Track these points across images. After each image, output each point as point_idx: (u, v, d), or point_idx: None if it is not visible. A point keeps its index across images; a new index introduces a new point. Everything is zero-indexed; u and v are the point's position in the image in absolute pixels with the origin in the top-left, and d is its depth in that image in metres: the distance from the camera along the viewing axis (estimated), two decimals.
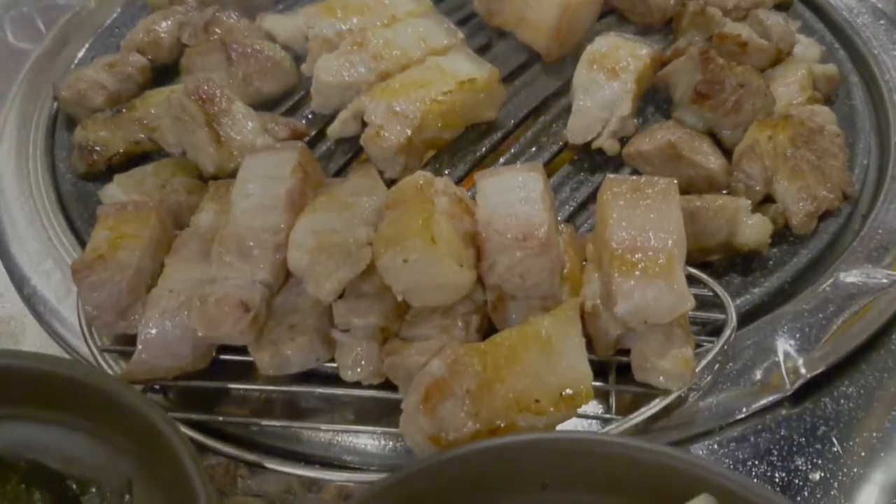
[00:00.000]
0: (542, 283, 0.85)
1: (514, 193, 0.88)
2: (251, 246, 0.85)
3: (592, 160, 1.09)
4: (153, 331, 0.84)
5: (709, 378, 0.88)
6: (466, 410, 0.76)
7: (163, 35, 1.24)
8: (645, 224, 0.85)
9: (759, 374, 0.89)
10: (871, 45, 1.25)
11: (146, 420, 0.76)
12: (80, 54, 1.33)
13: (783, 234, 1.02)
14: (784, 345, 0.90)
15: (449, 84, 1.07)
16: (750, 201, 1.00)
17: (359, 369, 0.84)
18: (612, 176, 0.89)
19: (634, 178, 0.88)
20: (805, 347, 0.90)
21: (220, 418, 0.86)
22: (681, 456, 0.72)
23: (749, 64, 1.13)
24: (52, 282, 1.01)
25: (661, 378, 0.83)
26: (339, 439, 0.87)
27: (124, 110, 1.15)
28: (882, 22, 1.28)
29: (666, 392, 0.83)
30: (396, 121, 1.03)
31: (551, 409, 0.77)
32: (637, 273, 0.82)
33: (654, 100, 1.16)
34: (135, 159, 1.12)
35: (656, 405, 0.83)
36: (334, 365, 0.86)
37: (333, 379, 0.86)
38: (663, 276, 0.82)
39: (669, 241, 0.84)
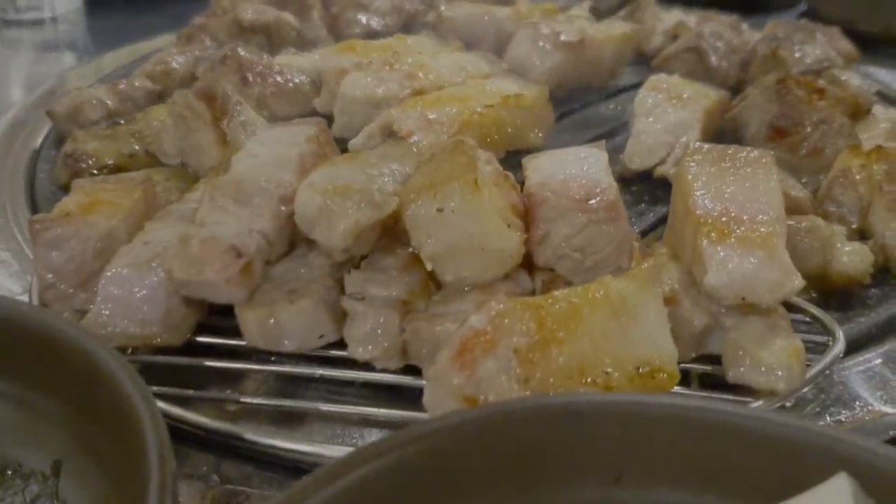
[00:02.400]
0: (608, 261, 0.69)
1: (572, 164, 0.73)
2: (251, 193, 0.70)
3: (653, 192, 0.95)
4: (117, 282, 0.66)
5: (812, 406, 0.69)
6: (513, 374, 0.57)
7: (175, 66, 1.14)
8: (738, 195, 0.69)
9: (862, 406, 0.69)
10: None
11: (94, 369, 0.57)
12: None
13: (883, 275, 0.85)
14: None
15: (493, 98, 0.94)
16: (845, 228, 0.84)
17: (371, 346, 0.65)
18: (693, 143, 0.74)
19: (722, 146, 0.73)
20: None
21: (191, 392, 0.66)
22: (805, 425, 0.52)
23: None
24: (9, 271, 0.84)
25: (762, 375, 0.64)
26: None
27: (122, 122, 1.02)
28: None
29: (772, 394, 0.64)
30: (430, 128, 0.90)
31: (624, 385, 0.58)
32: (733, 241, 0.65)
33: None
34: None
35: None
36: (344, 353, 0.67)
37: (340, 364, 0.68)
38: (764, 247, 0.65)
39: (771, 213, 0.67)
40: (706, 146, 0.73)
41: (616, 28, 1.13)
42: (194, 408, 0.65)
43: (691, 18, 1.31)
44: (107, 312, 0.66)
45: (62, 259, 0.71)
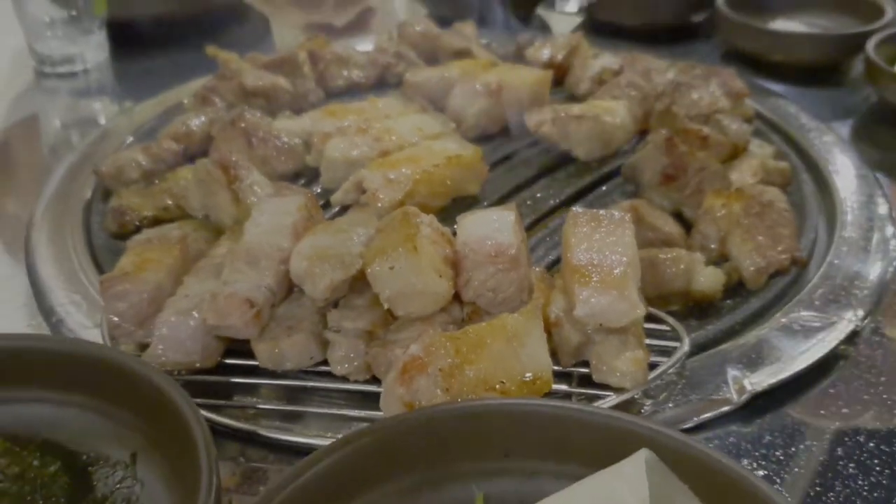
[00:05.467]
0: (512, 297, 0.97)
1: (490, 224, 1.01)
2: (259, 257, 0.98)
3: None
4: (168, 326, 0.95)
5: (665, 395, 0.97)
6: (438, 385, 0.86)
7: (195, 128, 1.42)
8: (602, 247, 0.97)
9: (710, 391, 0.98)
10: (819, 149, 1.41)
11: (156, 393, 0.85)
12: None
13: (737, 290, 1.13)
14: (733, 368, 1.00)
15: (439, 159, 1.22)
16: (704, 256, 1.12)
17: (346, 364, 0.94)
18: (574, 210, 1.02)
19: (594, 210, 1.01)
20: (751, 371, 0.99)
21: (223, 401, 0.95)
22: (622, 416, 0.80)
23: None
24: (81, 312, 1.12)
25: (615, 378, 0.93)
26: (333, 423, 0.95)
27: (157, 182, 1.30)
28: (830, 137, 1.45)
29: (621, 390, 0.93)
30: (391, 187, 1.18)
31: (514, 391, 0.87)
32: (593, 283, 0.93)
33: (624, 190, 1.31)
34: (163, 223, 1.26)
35: (611, 400, 0.92)
36: (327, 368, 0.96)
37: (326, 377, 0.96)
38: (617, 286, 0.93)
39: (624, 259, 0.95)
40: (584, 212, 1.01)
41: (530, 74, 1.42)
42: (225, 413, 0.94)
43: (618, 62, 1.58)
44: (161, 348, 0.95)
45: (124, 307, 1.00)
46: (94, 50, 1.85)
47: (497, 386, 0.86)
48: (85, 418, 0.89)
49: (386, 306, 0.95)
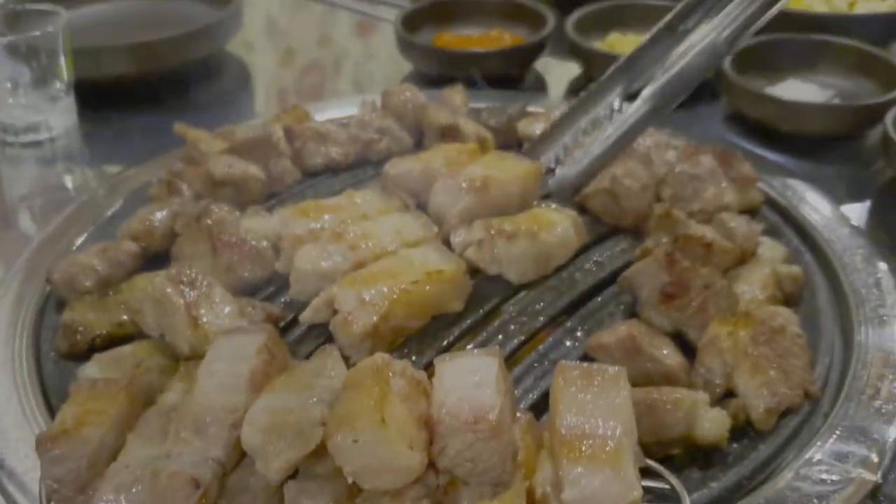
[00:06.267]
0: (494, 468, 0.86)
1: (469, 377, 0.90)
2: (207, 423, 0.88)
3: (557, 350, 1.12)
4: None
5: None
6: None
7: (157, 224, 1.31)
8: (594, 411, 0.86)
9: None
10: (834, 246, 1.30)
11: None
12: (80, 241, 1.40)
13: (744, 430, 1.02)
14: None
15: (418, 275, 1.11)
16: (708, 395, 1.01)
17: None
18: (563, 362, 0.92)
19: (586, 364, 0.91)
20: None
21: None
22: None
23: (714, 264, 1.18)
24: (20, 455, 1.02)
25: None
26: None
27: (111, 293, 1.20)
28: (846, 229, 1.34)
29: None
30: (364, 309, 1.07)
31: None
32: (584, 460, 0.83)
33: (621, 301, 1.20)
34: (117, 340, 1.16)
35: None
36: None
37: None
38: (610, 463, 0.83)
39: (618, 430, 0.85)
40: (575, 367, 0.90)
41: (519, 167, 1.29)
42: None
43: None
44: None
45: (62, 472, 0.89)
46: (60, 115, 1.75)
47: None
48: None
49: (350, 480, 0.84)
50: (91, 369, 1.09)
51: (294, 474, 0.88)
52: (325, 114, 1.69)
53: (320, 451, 0.88)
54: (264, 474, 0.84)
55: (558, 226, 1.22)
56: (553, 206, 1.28)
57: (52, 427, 0.93)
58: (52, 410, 1.10)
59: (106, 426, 0.93)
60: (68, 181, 1.71)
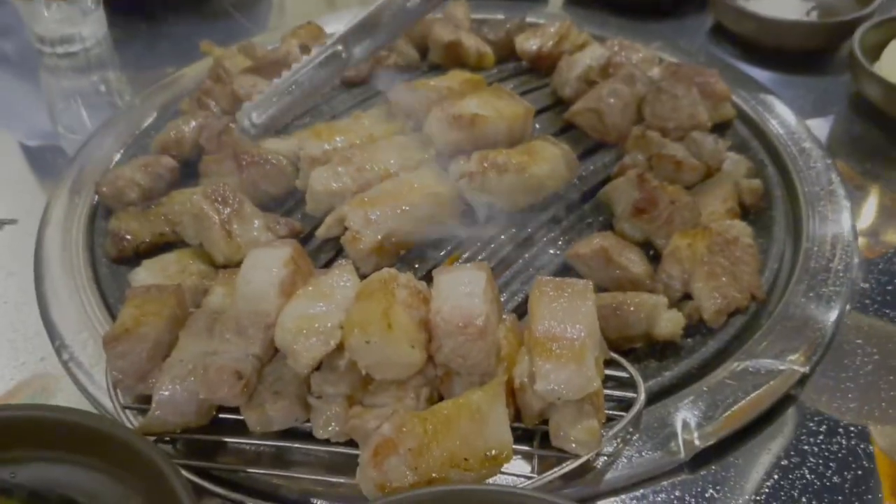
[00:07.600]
0: (480, 363, 1.05)
1: (461, 288, 1.08)
2: (246, 325, 1.06)
3: (541, 258, 1.29)
4: (166, 393, 1.04)
5: (620, 446, 1.07)
6: (407, 465, 0.95)
7: (186, 135, 1.47)
8: (564, 318, 1.04)
9: (660, 444, 1.07)
10: (795, 159, 1.45)
11: (153, 464, 0.96)
12: (118, 157, 1.57)
13: (698, 328, 1.21)
14: (683, 420, 1.09)
15: (417, 196, 1.28)
16: (667, 299, 1.19)
17: (329, 429, 1.04)
18: (540, 277, 1.09)
19: (558, 279, 1.08)
20: (701, 423, 1.08)
21: (215, 464, 1.05)
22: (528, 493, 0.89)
23: (684, 180, 1.35)
24: (87, 350, 1.21)
25: (573, 444, 1.02)
26: (315, 488, 1.06)
27: (153, 206, 1.37)
28: (807, 143, 1.49)
29: (576, 456, 1.02)
30: (370, 227, 1.24)
31: (477, 466, 0.96)
32: (554, 358, 1.01)
33: (601, 212, 1.36)
34: (159, 247, 1.34)
35: (567, 466, 1.01)
36: (310, 425, 1.05)
37: (311, 437, 1.06)
38: (575, 361, 1.01)
39: (582, 332, 1.03)
40: (549, 281, 1.08)
41: (509, 108, 1.41)
42: (212, 479, 1.05)
43: (605, 54, 1.60)
44: (159, 412, 1.04)
45: (125, 365, 1.09)
46: (92, 27, 1.88)
47: (461, 463, 0.96)
48: (96, 479, 1.01)
49: (364, 372, 1.03)
50: (141, 274, 1.26)
51: (318, 367, 1.06)
52: (337, 26, 1.81)
53: (339, 349, 1.06)
54: (294, 367, 1.03)
55: (550, 160, 1.35)
56: (551, 139, 1.41)
57: (115, 327, 1.11)
58: (109, 309, 1.28)
59: (161, 325, 1.12)
60: (102, 87, 1.86)
